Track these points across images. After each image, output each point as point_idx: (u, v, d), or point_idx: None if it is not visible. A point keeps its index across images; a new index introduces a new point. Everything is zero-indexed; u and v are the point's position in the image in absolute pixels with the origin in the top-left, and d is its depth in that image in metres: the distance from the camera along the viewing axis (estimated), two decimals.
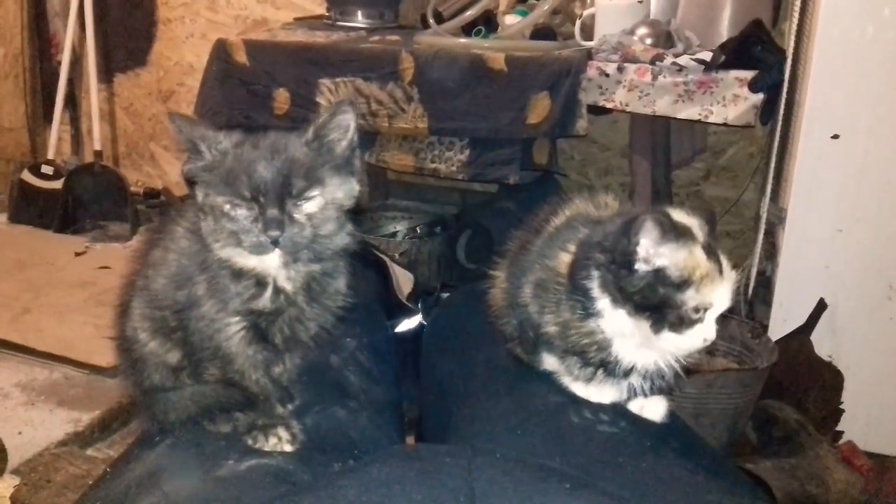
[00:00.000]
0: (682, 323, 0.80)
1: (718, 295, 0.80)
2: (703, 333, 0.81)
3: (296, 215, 0.80)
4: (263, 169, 0.79)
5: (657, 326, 0.80)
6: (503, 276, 1.00)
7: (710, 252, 0.80)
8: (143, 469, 0.81)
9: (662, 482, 0.78)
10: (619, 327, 0.83)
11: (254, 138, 0.83)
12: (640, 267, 0.79)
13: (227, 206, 0.80)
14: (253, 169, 0.79)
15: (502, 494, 0.65)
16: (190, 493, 0.75)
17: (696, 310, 0.79)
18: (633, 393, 0.90)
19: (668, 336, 0.81)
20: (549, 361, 0.93)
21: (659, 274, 0.79)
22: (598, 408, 0.90)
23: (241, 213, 0.80)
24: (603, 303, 0.82)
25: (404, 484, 0.66)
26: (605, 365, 0.86)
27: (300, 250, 0.82)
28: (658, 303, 0.79)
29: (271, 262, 0.83)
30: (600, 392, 0.90)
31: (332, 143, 0.83)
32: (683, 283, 0.79)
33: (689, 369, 0.86)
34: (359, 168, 0.87)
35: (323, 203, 0.82)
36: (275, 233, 0.79)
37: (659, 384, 0.88)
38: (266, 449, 0.83)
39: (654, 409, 0.91)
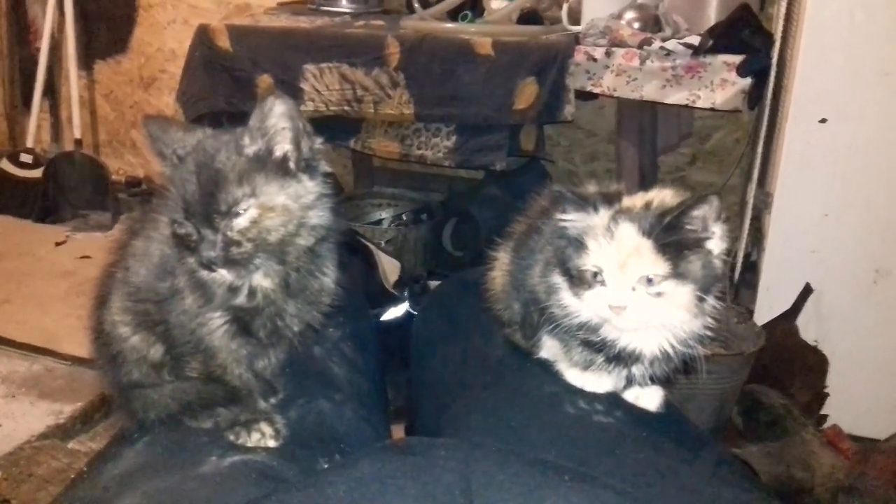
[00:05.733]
0: (582, 283, 0.81)
1: (605, 258, 0.80)
2: (607, 298, 0.80)
3: (228, 233, 0.75)
4: (192, 185, 0.75)
5: (568, 282, 0.83)
6: (506, 258, 0.98)
7: (614, 219, 0.80)
8: (121, 468, 0.79)
9: (661, 473, 0.77)
10: (566, 296, 0.84)
11: (202, 143, 0.77)
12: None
13: (174, 226, 0.77)
14: (184, 187, 0.75)
15: (500, 488, 0.63)
16: (171, 492, 0.73)
17: (592, 273, 0.80)
18: (629, 382, 0.89)
19: (571, 297, 0.83)
20: (549, 345, 0.92)
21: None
22: (592, 397, 0.89)
23: (183, 232, 0.77)
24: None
25: (398, 479, 0.64)
26: (604, 347, 0.85)
27: (247, 264, 0.77)
28: (563, 259, 0.83)
29: (225, 276, 0.79)
30: (597, 380, 0.89)
31: (270, 143, 0.77)
32: (576, 242, 0.82)
33: (694, 358, 0.85)
34: (316, 160, 0.80)
35: (258, 214, 0.75)
36: (208, 254, 0.75)
37: (660, 373, 0.87)
38: (249, 445, 0.81)
39: (649, 398, 0.90)
